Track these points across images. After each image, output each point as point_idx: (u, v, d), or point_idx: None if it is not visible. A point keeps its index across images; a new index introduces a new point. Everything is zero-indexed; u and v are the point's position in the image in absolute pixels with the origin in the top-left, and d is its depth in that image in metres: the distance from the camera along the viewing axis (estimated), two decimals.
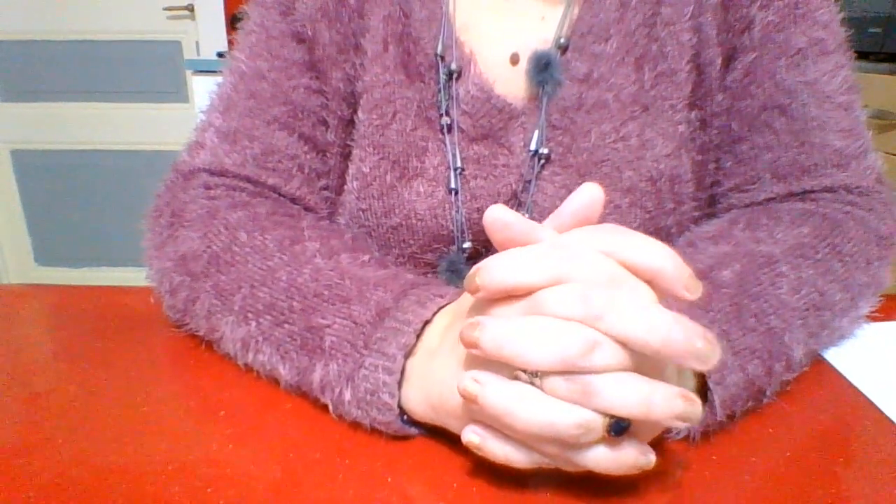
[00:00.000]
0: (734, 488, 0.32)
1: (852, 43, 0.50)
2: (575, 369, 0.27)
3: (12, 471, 0.33)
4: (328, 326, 0.37)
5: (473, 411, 0.30)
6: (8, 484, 0.32)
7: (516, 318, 0.29)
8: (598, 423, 0.28)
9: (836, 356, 0.44)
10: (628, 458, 0.29)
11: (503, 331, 0.28)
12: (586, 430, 0.28)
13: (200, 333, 0.44)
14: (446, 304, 0.37)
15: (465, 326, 0.29)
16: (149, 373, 0.42)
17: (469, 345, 0.29)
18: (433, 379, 0.34)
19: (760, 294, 0.38)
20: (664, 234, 0.50)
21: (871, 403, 0.39)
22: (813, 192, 0.49)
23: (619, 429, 0.28)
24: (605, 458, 0.29)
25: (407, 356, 0.35)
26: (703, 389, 0.35)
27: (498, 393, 0.28)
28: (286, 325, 0.39)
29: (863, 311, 0.46)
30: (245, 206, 0.47)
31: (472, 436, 0.31)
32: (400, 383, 0.35)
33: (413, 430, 0.36)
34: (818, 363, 0.44)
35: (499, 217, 0.31)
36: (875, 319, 0.47)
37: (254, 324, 0.40)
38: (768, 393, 0.38)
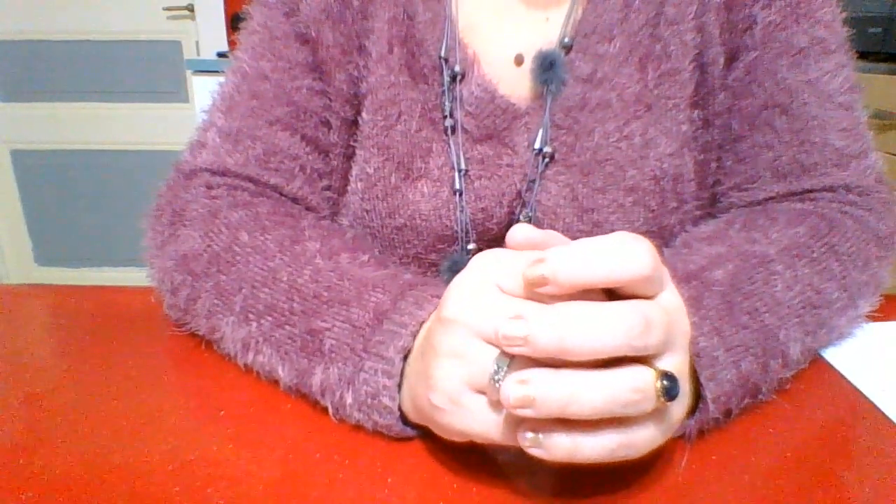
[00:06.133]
0: (734, 488, 0.32)
1: (853, 43, 0.50)
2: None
3: (12, 471, 0.33)
4: (328, 329, 0.37)
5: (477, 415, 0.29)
6: (8, 484, 0.32)
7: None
8: (651, 381, 0.27)
9: (836, 356, 0.44)
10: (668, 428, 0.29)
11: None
12: (644, 393, 0.26)
13: (201, 333, 0.44)
14: None
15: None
16: (149, 373, 0.42)
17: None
18: (413, 380, 0.34)
19: (754, 292, 0.38)
20: (667, 233, 0.50)
21: (871, 403, 0.39)
22: (812, 191, 0.49)
23: (672, 393, 0.27)
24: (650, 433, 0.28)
25: (405, 358, 0.35)
26: (697, 387, 0.35)
27: (552, 385, 0.26)
28: (287, 327, 0.39)
29: (862, 310, 0.45)
30: (246, 205, 0.47)
31: (529, 435, 0.27)
32: (400, 386, 0.35)
33: (413, 433, 0.36)
34: (818, 363, 0.43)
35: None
36: (875, 319, 0.47)
37: (254, 325, 0.40)
38: (765, 390, 0.37)
